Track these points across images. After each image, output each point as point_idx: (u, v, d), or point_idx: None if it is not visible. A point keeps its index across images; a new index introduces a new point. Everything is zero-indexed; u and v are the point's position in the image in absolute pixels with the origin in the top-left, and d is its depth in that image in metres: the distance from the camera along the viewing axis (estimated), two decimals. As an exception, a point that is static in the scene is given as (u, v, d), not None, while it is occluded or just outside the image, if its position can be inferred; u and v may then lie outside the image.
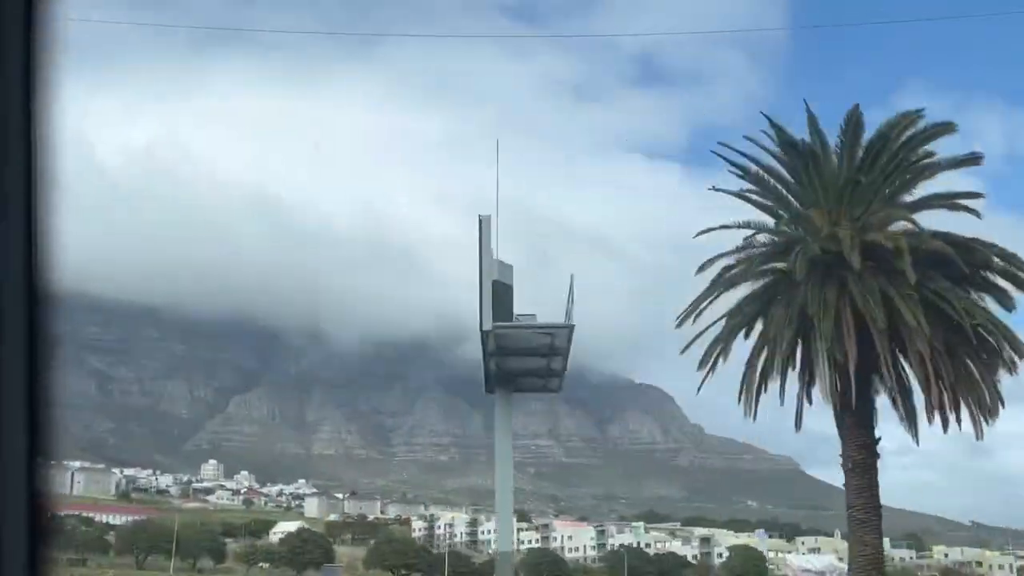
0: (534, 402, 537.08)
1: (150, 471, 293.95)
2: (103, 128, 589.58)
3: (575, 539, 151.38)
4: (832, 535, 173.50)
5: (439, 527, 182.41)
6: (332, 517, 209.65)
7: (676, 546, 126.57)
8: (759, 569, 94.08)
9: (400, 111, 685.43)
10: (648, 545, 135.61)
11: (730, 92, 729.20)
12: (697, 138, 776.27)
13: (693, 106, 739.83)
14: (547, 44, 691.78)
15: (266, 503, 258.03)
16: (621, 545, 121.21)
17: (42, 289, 1.42)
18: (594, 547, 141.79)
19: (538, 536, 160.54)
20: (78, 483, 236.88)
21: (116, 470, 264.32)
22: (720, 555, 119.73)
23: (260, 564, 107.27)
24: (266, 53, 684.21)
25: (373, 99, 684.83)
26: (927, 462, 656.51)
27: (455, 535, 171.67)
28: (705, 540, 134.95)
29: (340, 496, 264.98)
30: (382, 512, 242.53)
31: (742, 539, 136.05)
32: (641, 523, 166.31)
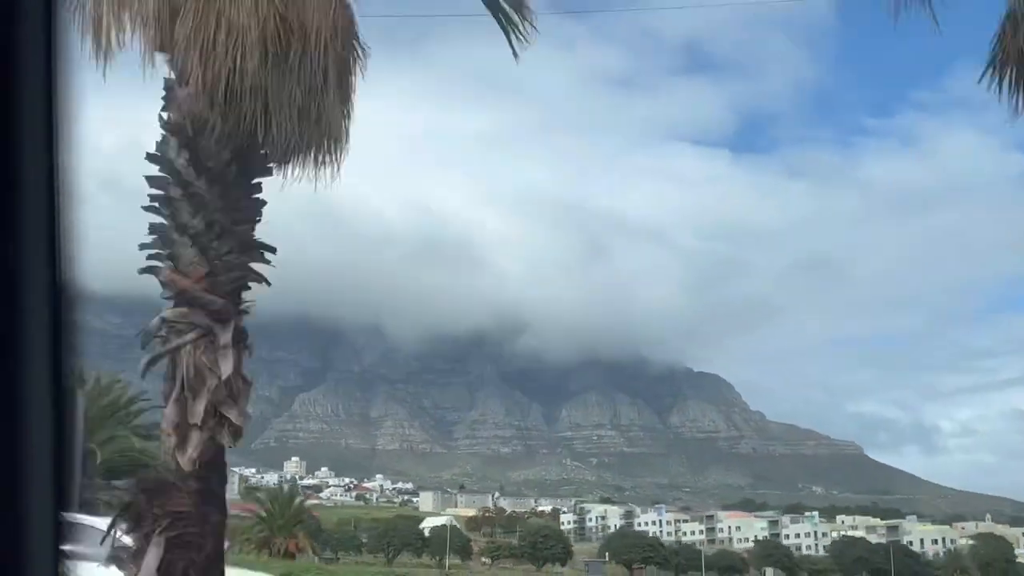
0: (594, 394, 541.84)
1: (253, 470, 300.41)
2: (155, 135, 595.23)
3: (743, 530, 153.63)
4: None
5: (590, 520, 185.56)
6: (456, 511, 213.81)
7: (859, 535, 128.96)
8: (1008, 558, 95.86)
9: (448, 108, 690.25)
10: (824, 535, 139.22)
11: (778, 77, 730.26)
12: (745, 124, 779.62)
13: (741, 92, 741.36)
14: (591, 35, 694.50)
15: (376, 499, 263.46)
16: (842, 535, 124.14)
17: (66, 288, 1.47)
18: (765, 537, 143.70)
19: (702, 528, 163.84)
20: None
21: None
22: (910, 543, 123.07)
23: (483, 560, 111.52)
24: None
25: (420, 98, 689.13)
26: (987, 443, 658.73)
27: (608, 527, 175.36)
28: (893, 528, 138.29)
29: (451, 491, 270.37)
30: (494, 505, 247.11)
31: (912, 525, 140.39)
32: (815, 512, 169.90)
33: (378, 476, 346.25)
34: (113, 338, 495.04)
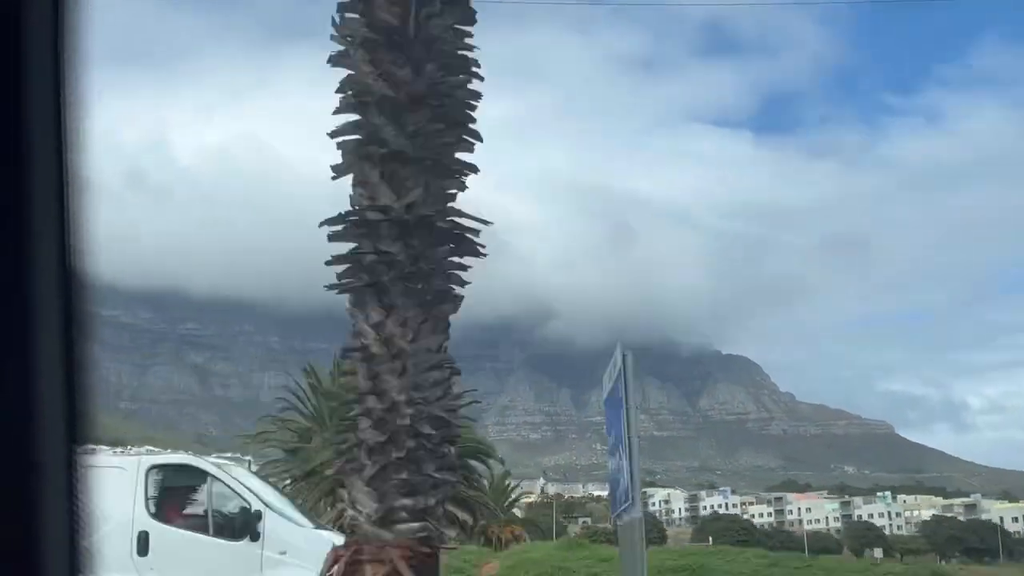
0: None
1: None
2: (184, 131, 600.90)
3: (814, 511, 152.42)
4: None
5: (654, 504, 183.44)
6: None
7: (944, 515, 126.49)
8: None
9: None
10: (898, 514, 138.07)
11: (799, 56, 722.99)
12: (768, 104, 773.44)
13: (762, 72, 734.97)
14: (612, 18, 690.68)
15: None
16: (933, 515, 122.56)
17: (77, 279, 1.47)
18: (837, 519, 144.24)
19: (771, 510, 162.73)
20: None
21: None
22: (990, 521, 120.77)
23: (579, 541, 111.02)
24: (332, 48, 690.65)
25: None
26: (1017, 420, 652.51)
27: (672, 511, 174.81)
28: (971, 507, 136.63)
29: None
30: (542, 491, 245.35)
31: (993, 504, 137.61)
32: (888, 492, 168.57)
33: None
34: (144, 332, 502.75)
